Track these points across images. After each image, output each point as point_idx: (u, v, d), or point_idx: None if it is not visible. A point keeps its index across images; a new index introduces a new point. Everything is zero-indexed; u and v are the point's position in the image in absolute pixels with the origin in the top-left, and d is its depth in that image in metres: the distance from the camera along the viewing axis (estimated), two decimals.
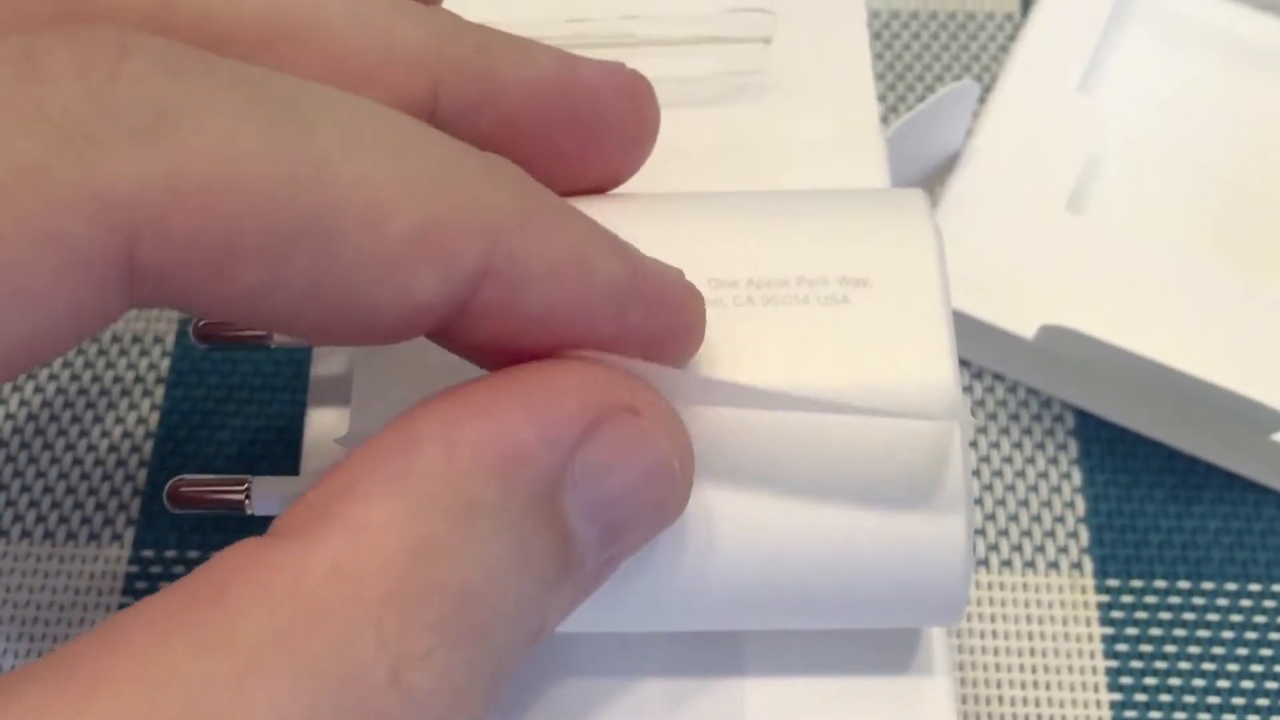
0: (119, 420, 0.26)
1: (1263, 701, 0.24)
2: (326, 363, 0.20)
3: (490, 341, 0.14)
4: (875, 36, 0.31)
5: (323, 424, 0.20)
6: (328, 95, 0.13)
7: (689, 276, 0.17)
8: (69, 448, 0.26)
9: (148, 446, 0.26)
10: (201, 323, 0.19)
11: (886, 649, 0.18)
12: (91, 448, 0.26)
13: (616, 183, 0.18)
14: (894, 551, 0.16)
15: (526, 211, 0.14)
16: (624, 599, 0.16)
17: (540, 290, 0.14)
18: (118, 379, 0.27)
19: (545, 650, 0.19)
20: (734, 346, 0.17)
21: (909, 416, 0.16)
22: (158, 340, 0.27)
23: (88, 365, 0.27)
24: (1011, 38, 0.31)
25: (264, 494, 0.18)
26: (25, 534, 0.25)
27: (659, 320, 0.15)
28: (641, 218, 0.18)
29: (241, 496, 0.18)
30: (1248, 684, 0.24)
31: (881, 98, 0.30)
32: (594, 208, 0.18)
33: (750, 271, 0.17)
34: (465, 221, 0.13)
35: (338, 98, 0.13)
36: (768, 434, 0.16)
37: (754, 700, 0.18)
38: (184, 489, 0.18)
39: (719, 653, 0.18)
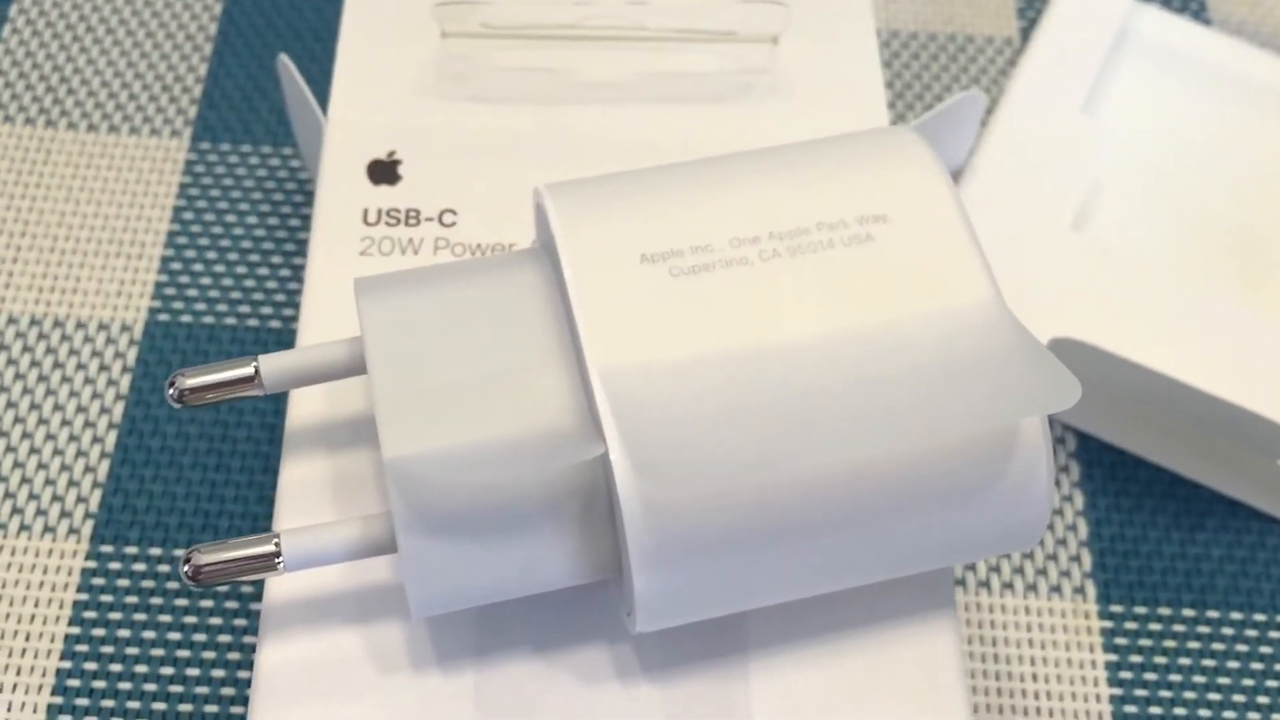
0: (81, 409, 0.25)
1: None
2: (301, 404, 0.19)
3: None
4: None
5: (296, 471, 0.19)
6: None
7: (708, 238, 0.16)
8: (26, 435, 0.25)
9: (110, 437, 0.25)
10: (174, 390, 0.17)
11: (896, 629, 0.18)
12: (50, 437, 0.25)
13: None
14: (983, 474, 0.16)
15: None
16: (746, 573, 0.16)
17: None
18: (81, 366, 0.25)
19: (541, 650, 0.18)
20: (771, 301, 0.16)
21: (959, 337, 0.16)
22: (125, 328, 0.26)
23: (49, 351, 0.26)
24: (1011, 62, 0.30)
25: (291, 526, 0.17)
26: None
27: None
28: (652, 188, 0.18)
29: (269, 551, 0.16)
30: (1254, 716, 0.23)
31: None
32: (600, 182, 0.18)
33: (770, 225, 0.17)
34: None
35: None
36: (849, 379, 0.16)
37: (759, 687, 0.17)
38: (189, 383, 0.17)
39: (720, 640, 0.18)
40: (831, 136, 0.19)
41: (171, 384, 0.17)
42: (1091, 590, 0.24)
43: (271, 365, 0.17)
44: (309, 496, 0.19)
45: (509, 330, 0.17)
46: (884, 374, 0.16)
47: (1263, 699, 0.23)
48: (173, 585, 0.23)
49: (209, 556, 0.16)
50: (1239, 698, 0.23)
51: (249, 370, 0.17)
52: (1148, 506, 0.25)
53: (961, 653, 0.18)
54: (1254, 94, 0.29)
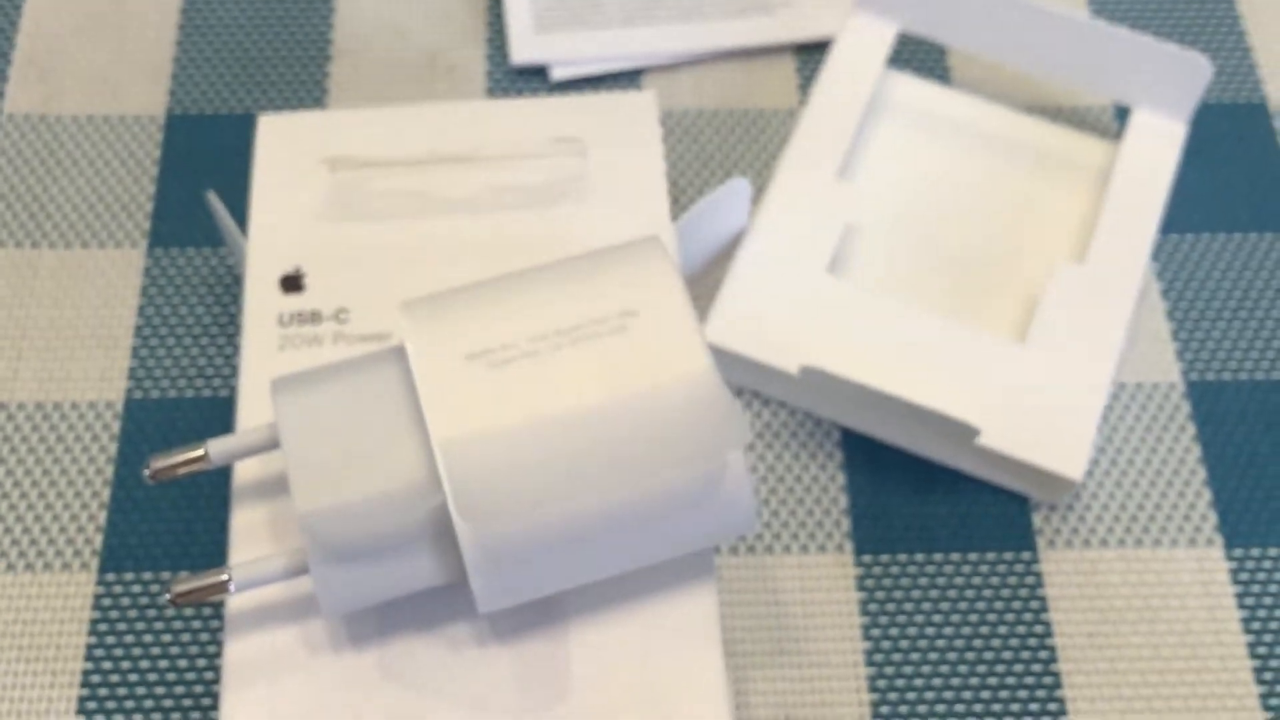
0: (81, 472, 0.33)
1: (977, 642, 0.31)
2: (243, 468, 0.26)
3: None
4: (684, 131, 0.38)
5: (246, 519, 0.25)
6: None
7: (513, 337, 0.24)
8: (41, 495, 0.32)
9: (106, 493, 0.32)
10: (149, 471, 0.24)
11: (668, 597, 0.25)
12: (60, 494, 0.32)
13: None
14: (705, 494, 0.23)
15: None
16: (544, 569, 0.23)
17: None
18: (78, 438, 0.33)
19: (424, 629, 0.25)
20: (555, 381, 0.23)
21: (682, 403, 0.23)
22: (109, 405, 0.34)
23: (52, 428, 0.33)
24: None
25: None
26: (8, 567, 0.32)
27: None
28: (475, 301, 0.25)
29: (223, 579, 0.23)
30: (966, 630, 0.31)
31: (689, 183, 0.37)
32: (442, 298, 0.25)
33: (556, 324, 0.24)
34: None
35: None
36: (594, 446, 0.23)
37: (575, 641, 0.25)
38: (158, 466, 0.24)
39: (546, 612, 0.25)
40: (607, 248, 0.26)
41: (146, 467, 0.25)
42: (849, 546, 0.32)
43: (216, 447, 0.25)
44: (253, 535, 0.26)
45: (381, 413, 0.24)
46: (626, 431, 0.23)
47: (973, 617, 0.31)
48: (161, 602, 0.31)
49: (183, 586, 0.24)
50: (956, 617, 0.31)
51: (200, 452, 0.25)
52: (893, 479, 0.33)
53: (718, 608, 0.25)
54: (982, 140, 0.37)
